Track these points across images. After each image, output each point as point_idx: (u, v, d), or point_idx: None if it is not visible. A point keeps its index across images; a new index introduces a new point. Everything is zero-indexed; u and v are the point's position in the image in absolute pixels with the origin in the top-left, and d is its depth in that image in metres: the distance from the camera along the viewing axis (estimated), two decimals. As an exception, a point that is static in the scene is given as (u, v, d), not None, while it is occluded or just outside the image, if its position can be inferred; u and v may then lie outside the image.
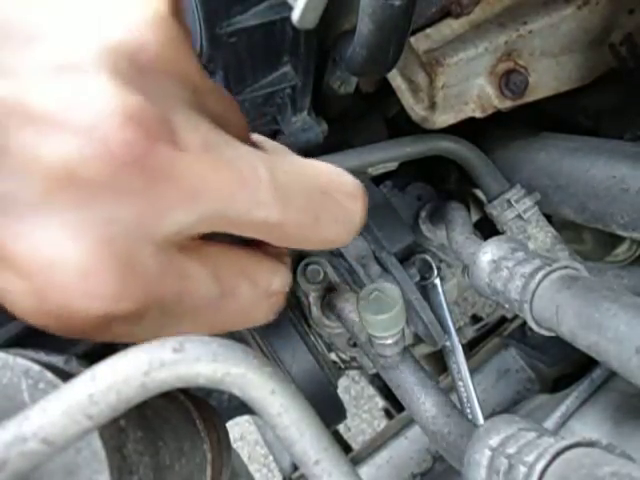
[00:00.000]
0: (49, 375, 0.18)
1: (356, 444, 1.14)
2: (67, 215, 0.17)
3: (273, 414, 0.17)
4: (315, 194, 0.21)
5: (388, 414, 1.11)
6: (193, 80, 0.20)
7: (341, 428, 1.41)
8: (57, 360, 0.21)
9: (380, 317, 0.33)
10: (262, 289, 0.23)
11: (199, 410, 0.33)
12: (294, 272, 0.47)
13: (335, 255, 0.46)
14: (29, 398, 0.17)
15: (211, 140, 0.19)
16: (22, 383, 0.18)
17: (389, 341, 0.35)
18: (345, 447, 0.92)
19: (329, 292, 0.46)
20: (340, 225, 0.23)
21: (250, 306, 0.23)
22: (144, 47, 0.18)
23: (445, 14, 0.43)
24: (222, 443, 0.35)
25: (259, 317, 0.24)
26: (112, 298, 0.18)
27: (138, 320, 0.19)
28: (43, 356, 0.20)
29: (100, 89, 0.17)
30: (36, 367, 0.18)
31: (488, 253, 0.33)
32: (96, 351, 0.30)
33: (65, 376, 0.19)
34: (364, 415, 1.48)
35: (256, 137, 0.26)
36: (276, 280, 0.24)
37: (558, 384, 0.61)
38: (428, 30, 0.43)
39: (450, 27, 0.44)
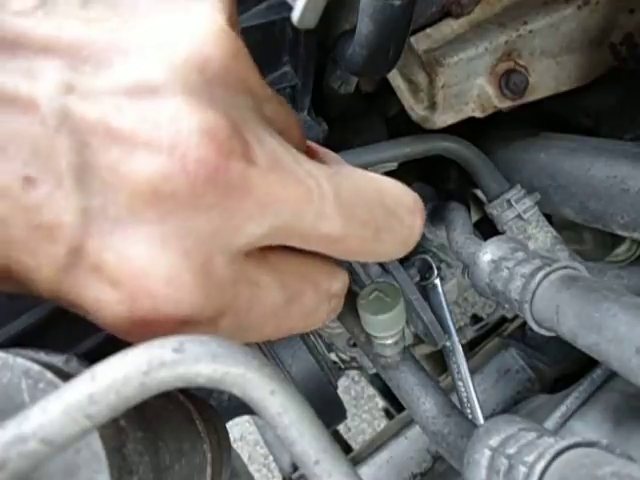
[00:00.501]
0: (49, 375, 0.18)
1: (356, 444, 1.14)
2: (152, 228, 0.18)
3: (273, 414, 0.17)
4: (377, 209, 0.22)
5: (388, 414, 1.11)
6: (256, 90, 0.21)
7: (341, 428, 1.41)
8: (57, 360, 0.21)
9: (380, 317, 0.33)
10: (324, 292, 0.24)
11: (199, 410, 0.33)
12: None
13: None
14: (29, 398, 0.17)
15: (279, 155, 0.20)
16: (22, 383, 0.18)
17: (389, 341, 0.35)
18: (345, 447, 0.92)
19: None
20: (399, 240, 0.23)
21: (313, 310, 0.24)
22: (210, 60, 0.19)
23: (445, 14, 0.43)
24: (222, 444, 0.35)
25: (320, 319, 0.25)
26: (195, 303, 0.19)
27: (213, 326, 0.20)
28: (43, 356, 0.20)
29: (176, 108, 0.18)
30: (36, 367, 0.18)
31: (488, 253, 0.33)
32: (96, 351, 0.30)
33: (65, 376, 0.19)
34: (364, 415, 1.48)
35: (314, 146, 0.27)
36: (336, 283, 0.25)
37: (558, 384, 0.61)
38: (428, 30, 0.43)
39: (450, 27, 0.44)
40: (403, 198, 0.24)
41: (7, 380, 0.18)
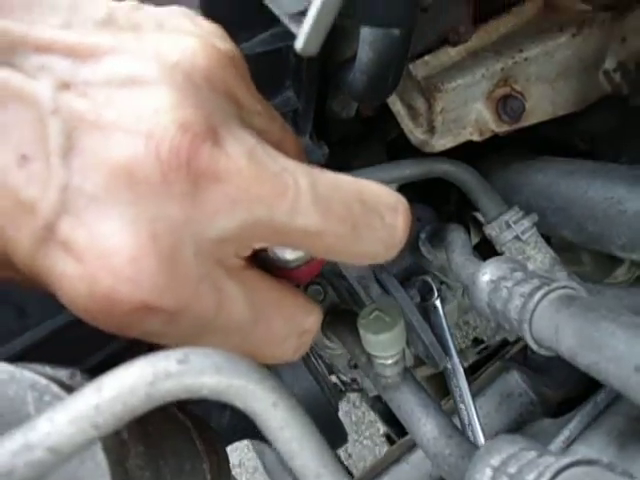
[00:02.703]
0: (55, 388, 0.18)
1: (357, 470, 1.12)
2: (124, 209, 0.19)
3: (274, 427, 0.17)
4: (355, 205, 0.22)
5: (390, 440, 1.09)
6: (243, 101, 0.23)
7: (342, 454, 1.39)
8: (62, 374, 0.21)
9: (380, 337, 0.33)
10: (295, 325, 0.24)
11: (199, 430, 0.33)
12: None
13: (336, 275, 0.47)
14: (35, 410, 0.18)
15: (256, 151, 0.21)
16: (28, 396, 0.18)
17: (389, 361, 0.35)
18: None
19: (330, 312, 0.46)
20: (380, 239, 0.23)
21: (280, 340, 0.24)
22: (198, 66, 0.21)
23: (443, 42, 0.45)
24: (222, 465, 0.35)
25: (287, 353, 0.25)
26: (154, 289, 0.19)
27: (173, 321, 0.20)
28: (48, 370, 0.20)
29: (160, 102, 0.19)
30: (42, 380, 0.18)
31: (487, 273, 0.34)
32: (101, 368, 0.31)
33: (70, 390, 0.19)
34: (365, 442, 1.45)
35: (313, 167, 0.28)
36: (310, 319, 0.25)
37: (561, 407, 0.61)
38: (426, 57, 0.45)
39: (448, 54, 0.45)
40: (383, 196, 0.24)
41: (13, 393, 0.18)
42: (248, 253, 0.22)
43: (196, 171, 0.19)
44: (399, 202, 0.24)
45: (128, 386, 0.15)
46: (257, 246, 0.22)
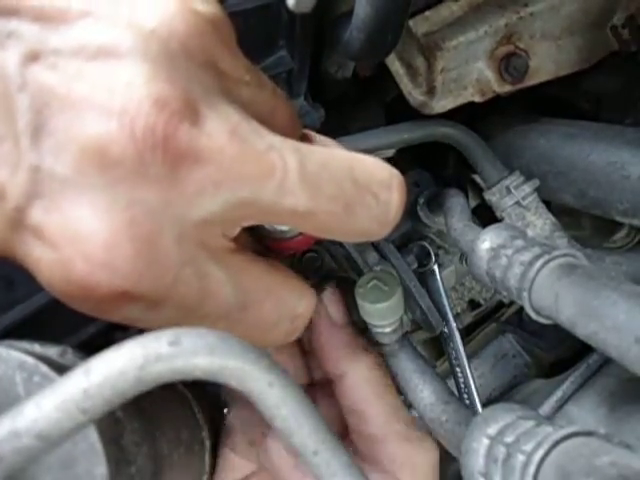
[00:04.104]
0: (44, 368, 0.18)
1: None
2: (97, 193, 0.18)
3: (271, 406, 0.17)
4: (346, 183, 0.21)
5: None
6: (226, 70, 0.21)
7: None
8: (52, 352, 0.20)
9: (378, 306, 0.33)
10: (286, 309, 0.24)
11: (197, 398, 0.33)
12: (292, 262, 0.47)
13: (333, 242, 0.46)
14: (24, 391, 0.17)
15: (240, 128, 0.19)
16: (16, 376, 0.17)
17: (387, 329, 0.35)
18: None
19: (327, 280, 0.45)
20: (374, 216, 0.22)
21: (271, 325, 0.23)
22: (175, 34, 0.19)
23: (444, -5, 0.42)
24: (221, 431, 0.35)
25: (278, 338, 0.24)
26: (131, 275, 0.18)
27: (154, 307, 0.19)
28: (38, 348, 0.20)
29: (133, 75, 0.18)
30: (30, 360, 0.18)
31: (487, 241, 0.33)
32: (93, 340, 0.30)
33: (60, 369, 0.18)
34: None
35: (310, 133, 0.27)
36: (303, 304, 0.24)
37: (554, 369, 0.62)
38: (427, 12, 0.42)
39: (449, 9, 0.43)
40: (377, 172, 0.22)
41: (1, 373, 0.18)
42: (235, 233, 0.21)
43: (174, 151, 0.18)
44: (393, 177, 0.23)
45: (117, 369, 0.14)
46: (245, 224, 0.21)
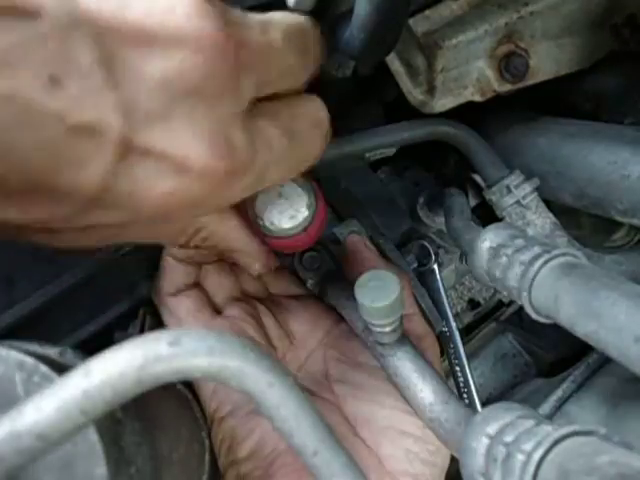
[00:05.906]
0: (43, 368, 0.18)
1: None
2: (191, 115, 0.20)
3: (271, 407, 0.17)
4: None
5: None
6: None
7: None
8: (51, 352, 0.20)
9: (378, 305, 0.33)
10: (314, 121, 0.28)
11: (197, 398, 0.33)
12: (292, 262, 0.47)
13: (333, 242, 0.46)
14: (23, 391, 0.17)
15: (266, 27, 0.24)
16: (16, 376, 0.17)
17: (387, 329, 0.35)
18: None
19: (326, 279, 0.45)
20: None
21: (311, 140, 0.27)
22: None
23: (445, -6, 0.42)
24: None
25: (320, 147, 0.28)
26: (244, 157, 0.22)
27: (243, 177, 0.23)
28: (37, 348, 0.20)
29: (189, 5, 0.19)
30: (30, 360, 0.18)
31: (487, 240, 0.33)
32: (92, 342, 0.30)
33: (60, 368, 0.18)
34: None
35: None
36: (320, 108, 0.28)
37: (555, 368, 0.62)
38: (427, 11, 0.42)
39: (449, 8, 0.43)
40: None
41: (1, 373, 0.18)
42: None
43: (233, 55, 0.20)
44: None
45: (117, 371, 0.14)
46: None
